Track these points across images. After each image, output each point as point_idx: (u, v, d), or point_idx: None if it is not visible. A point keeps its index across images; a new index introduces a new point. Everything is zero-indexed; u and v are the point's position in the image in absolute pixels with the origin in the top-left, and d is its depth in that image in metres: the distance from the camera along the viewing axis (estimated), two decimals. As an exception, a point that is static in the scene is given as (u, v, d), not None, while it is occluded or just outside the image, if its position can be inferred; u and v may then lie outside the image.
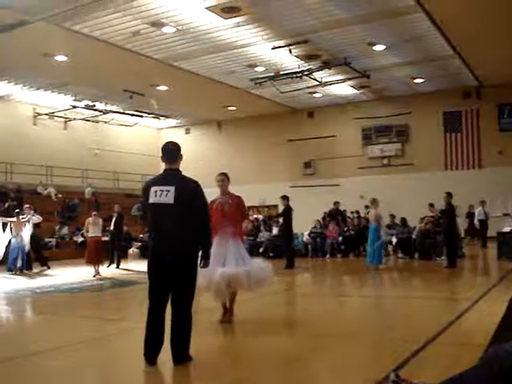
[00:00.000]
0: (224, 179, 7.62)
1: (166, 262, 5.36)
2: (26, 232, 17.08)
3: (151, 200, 5.43)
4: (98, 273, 15.41)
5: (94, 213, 16.29)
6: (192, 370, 5.28)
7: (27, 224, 17.07)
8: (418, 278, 13.67)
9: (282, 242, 17.38)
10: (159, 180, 5.60)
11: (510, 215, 20.76)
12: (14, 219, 16.92)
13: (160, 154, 5.66)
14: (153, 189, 5.45)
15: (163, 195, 5.36)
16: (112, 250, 18.04)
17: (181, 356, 5.30)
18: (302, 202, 24.14)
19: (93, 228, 15.63)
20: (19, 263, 16.52)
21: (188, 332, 5.38)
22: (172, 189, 5.34)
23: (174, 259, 5.32)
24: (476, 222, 21.61)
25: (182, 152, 5.69)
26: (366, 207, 24.35)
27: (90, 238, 15.63)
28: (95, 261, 15.41)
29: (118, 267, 17.57)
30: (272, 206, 27.12)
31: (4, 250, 16.84)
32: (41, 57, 19.35)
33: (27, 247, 17.01)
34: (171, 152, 5.66)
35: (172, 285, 5.35)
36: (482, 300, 8.74)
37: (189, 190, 5.44)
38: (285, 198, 16.38)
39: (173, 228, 5.36)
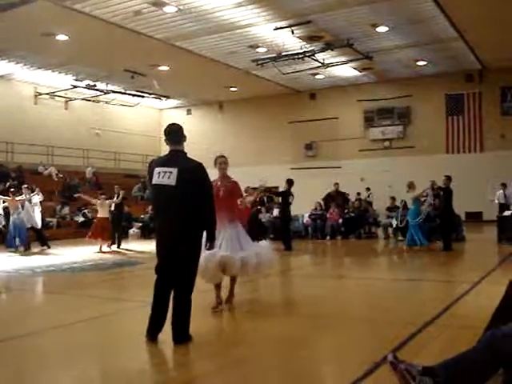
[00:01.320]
0: (226, 162, 7.42)
1: (169, 242, 5.43)
2: (35, 211, 17.65)
3: (154, 181, 5.45)
4: (100, 250, 16.70)
5: (102, 196, 17.66)
6: (192, 350, 5.32)
7: (27, 203, 17.29)
8: (418, 260, 13.69)
9: (280, 224, 17.36)
10: (163, 161, 5.60)
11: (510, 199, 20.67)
12: (9, 198, 17.25)
13: (161, 135, 5.69)
14: (156, 170, 5.46)
15: (166, 176, 5.36)
16: (113, 230, 18.12)
17: (181, 335, 5.35)
18: (303, 184, 24.12)
19: (101, 209, 17.20)
20: (22, 240, 16.98)
21: (188, 312, 5.43)
22: (175, 170, 5.34)
23: (176, 241, 5.37)
24: (496, 202, 20.84)
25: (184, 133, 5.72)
26: (368, 189, 24.45)
27: (98, 218, 17.23)
28: (101, 237, 16.91)
29: (118, 247, 17.66)
30: (273, 187, 27.11)
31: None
32: (42, 36, 19.24)
33: (39, 224, 17.76)
34: (174, 133, 5.65)
35: (175, 265, 5.39)
36: (481, 283, 8.77)
37: (192, 171, 5.43)
38: (288, 181, 16.43)
39: (175, 209, 5.38)
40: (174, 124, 5.75)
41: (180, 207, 5.38)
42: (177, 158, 5.53)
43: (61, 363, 5.08)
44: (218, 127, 32.36)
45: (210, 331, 6.05)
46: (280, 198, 17.22)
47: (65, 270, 12.49)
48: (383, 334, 5.73)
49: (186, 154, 5.63)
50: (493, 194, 21.52)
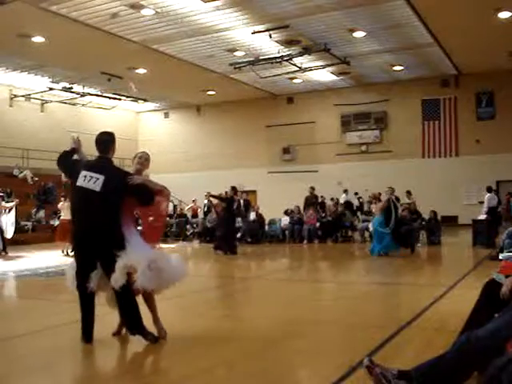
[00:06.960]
0: (148, 159, 6.06)
1: (89, 247, 5.52)
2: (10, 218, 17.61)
3: (78, 183, 5.54)
4: (67, 252, 16.58)
5: (62, 198, 17.73)
6: (169, 355, 5.28)
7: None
8: (393, 264, 13.76)
9: (225, 227, 16.68)
10: (90, 165, 5.70)
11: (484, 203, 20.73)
12: None
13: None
14: (82, 173, 5.55)
15: (91, 181, 5.47)
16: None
17: (133, 325, 5.53)
18: (279, 188, 24.20)
19: (66, 211, 16.77)
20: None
21: (133, 308, 5.50)
22: (101, 177, 5.47)
23: (96, 244, 5.47)
24: (485, 209, 18.12)
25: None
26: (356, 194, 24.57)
27: (63, 220, 16.97)
28: (65, 240, 16.49)
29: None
30: (250, 191, 27.11)
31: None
32: (17, 37, 19.03)
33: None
34: (103, 143, 5.83)
35: (102, 268, 5.49)
36: (456, 286, 8.84)
37: (118, 179, 5.54)
38: (233, 188, 17.09)
39: (94, 215, 5.47)
40: (105, 133, 5.93)
41: (100, 213, 5.47)
42: (103, 165, 5.68)
43: (35, 369, 5.00)
44: (196, 130, 32.26)
45: (178, 337, 5.94)
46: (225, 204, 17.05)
47: (40, 274, 12.35)
48: (359, 337, 5.74)
49: (112, 162, 5.81)
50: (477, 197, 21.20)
